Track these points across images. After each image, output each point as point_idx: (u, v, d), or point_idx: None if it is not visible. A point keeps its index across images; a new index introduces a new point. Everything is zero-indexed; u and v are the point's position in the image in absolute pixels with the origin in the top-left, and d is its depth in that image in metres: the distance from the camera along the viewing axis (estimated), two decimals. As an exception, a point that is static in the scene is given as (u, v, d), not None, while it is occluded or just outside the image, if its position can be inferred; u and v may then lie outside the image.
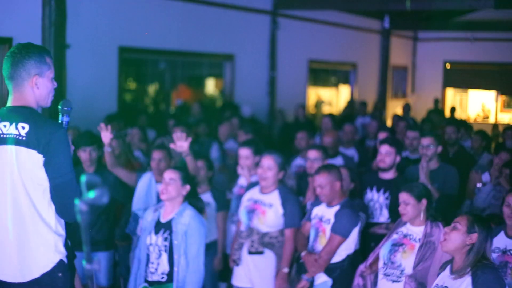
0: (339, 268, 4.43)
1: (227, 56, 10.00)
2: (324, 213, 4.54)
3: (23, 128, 2.77)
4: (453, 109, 13.52)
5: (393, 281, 4.02)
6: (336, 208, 4.48)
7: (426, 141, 5.26)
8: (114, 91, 8.10)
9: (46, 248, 2.84)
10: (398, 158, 5.00)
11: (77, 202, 2.78)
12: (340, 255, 4.45)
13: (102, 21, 7.79)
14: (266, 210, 4.70)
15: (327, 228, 4.47)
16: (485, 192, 5.35)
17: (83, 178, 1.99)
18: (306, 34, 11.61)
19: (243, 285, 4.78)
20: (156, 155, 5.04)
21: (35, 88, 2.87)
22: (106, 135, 4.82)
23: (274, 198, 4.73)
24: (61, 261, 2.88)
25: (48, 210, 2.83)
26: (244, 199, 4.87)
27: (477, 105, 15.52)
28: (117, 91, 8.15)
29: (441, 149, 5.41)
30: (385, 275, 4.08)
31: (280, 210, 4.68)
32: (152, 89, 10.05)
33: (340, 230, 4.38)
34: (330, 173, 4.46)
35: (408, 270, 3.96)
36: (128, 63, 8.74)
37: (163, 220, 4.23)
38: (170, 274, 4.10)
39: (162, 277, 4.12)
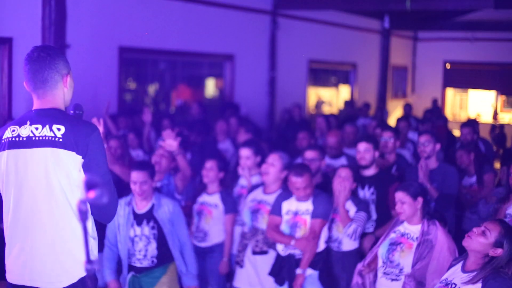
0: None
1: (227, 56, 10.00)
2: (299, 207, 4.58)
3: (59, 129, 2.69)
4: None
5: (392, 280, 4.05)
6: (311, 199, 4.57)
7: (423, 138, 5.34)
8: (114, 91, 8.10)
9: (83, 253, 2.75)
10: (376, 154, 5.15)
11: (115, 203, 2.73)
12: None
13: (102, 21, 7.79)
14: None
15: (308, 218, 4.52)
16: (485, 203, 5.38)
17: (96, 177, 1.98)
18: (306, 34, 11.60)
19: (244, 287, 4.77)
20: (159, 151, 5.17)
21: (66, 88, 2.82)
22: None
23: None
24: None
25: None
26: (247, 200, 4.88)
27: (484, 105, 15.48)
28: (117, 91, 8.15)
29: (439, 147, 5.47)
30: (384, 273, 4.10)
31: None
32: (152, 89, 10.05)
33: (320, 215, 4.49)
34: (310, 173, 4.58)
35: (407, 269, 3.98)
36: (128, 63, 8.74)
37: (139, 211, 4.37)
38: (158, 257, 4.35)
39: (152, 261, 4.35)
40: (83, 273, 2.72)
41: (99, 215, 2.78)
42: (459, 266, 3.43)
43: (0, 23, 6.60)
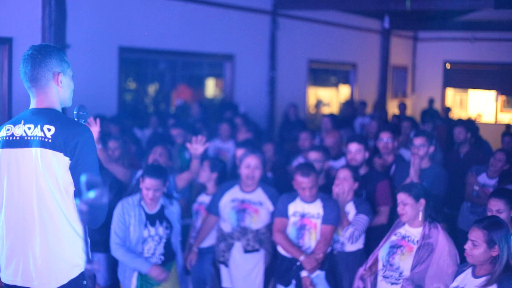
0: (327, 259, 4.53)
1: (227, 56, 10.00)
2: (306, 209, 4.57)
3: (49, 130, 2.69)
4: (447, 109, 13.50)
5: (392, 283, 4.02)
6: (318, 201, 4.56)
7: (418, 141, 5.33)
8: (114, 91, 8.10)
9: (75, 254, 2.73)
10: (367, 154, 5.20)
11: (104, 207, 2.65)
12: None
13: (102, 21, 7.79)
14: (258, 208, 4.73)
15: (318, 222, 4.51)
16: None
17: (83, 178, 1.98)
18: (306, 34, 11.60)
19: (231, 286, 4.78)
20: (157, 149, 5.19)
21: (59, 87, 2.82)
22: (94, 130, 4.80)
23: (260, 196, 4.78)
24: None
25: (75, 214, 2.70)
26: (225, 201, 4.82)
27: (484, 105, 15.46)
28: (117, 91, 8.15)
29: (433, 149, 5.48)
30: (384, 277, 4.07)
31: (270, 207, 4.76)
32: (152, 89, 10.06)
33: (332, 221, 4.49)
34: (316, 173, 4.60)
35: (407, 272, 3.95)
36: (128, 63, 8.74)
37: (150, 211, 4.42)
38: (165, 255, 4.48)
39: (160, 259, 4.45)
40: (73, 275, 2.72)
41: (89, 219, 2.76)
42: (468, 272, 3.46)
43: (0, 23, 6.60)
